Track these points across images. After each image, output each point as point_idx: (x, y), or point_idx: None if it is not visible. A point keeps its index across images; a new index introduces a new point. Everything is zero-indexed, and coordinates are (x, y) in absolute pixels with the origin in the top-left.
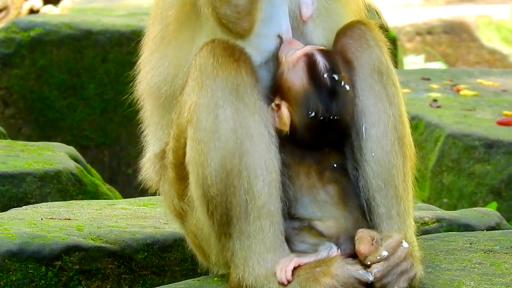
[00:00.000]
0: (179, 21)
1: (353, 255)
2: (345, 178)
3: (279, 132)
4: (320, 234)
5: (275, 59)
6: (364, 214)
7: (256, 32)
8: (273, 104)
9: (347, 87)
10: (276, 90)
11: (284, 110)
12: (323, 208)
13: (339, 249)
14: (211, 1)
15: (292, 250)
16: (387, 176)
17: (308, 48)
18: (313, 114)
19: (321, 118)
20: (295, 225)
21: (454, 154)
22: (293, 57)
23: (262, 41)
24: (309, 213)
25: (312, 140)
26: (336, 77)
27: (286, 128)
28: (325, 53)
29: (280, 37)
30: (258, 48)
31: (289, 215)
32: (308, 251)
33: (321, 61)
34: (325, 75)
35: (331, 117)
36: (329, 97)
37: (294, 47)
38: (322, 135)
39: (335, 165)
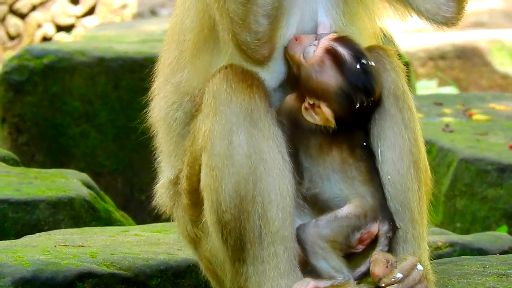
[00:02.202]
0: (197, 46)
1: (376, 237)
2: (372, 156)
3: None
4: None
5: (289, 82)
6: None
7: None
8: (305, 104)
9: (373, 63)
10: (304, 92)
11: (325, 109)
12: (352, 184)
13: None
14: (231, 27)
15: (311, 263)
16: (403, 199)
17: (325, 43)
18: (358, 105)
19: (365, 103)
20: (323, 229)
21: (467, 178)
22: (316, 57)
23: (276, 64)
24: (337, 192)
25: (352, 123)
26: (364, 61)
27: (332, 125)
28: (342, 41)
29: None
30: (272, 71)
31: (314, 197)
32: (326, 272)
33: (345, 52)
34: (357, 65)
35: (373, 98)
36: (367, 82)
37: (306, 44)
38: (362, 116)
39: (364, 144)
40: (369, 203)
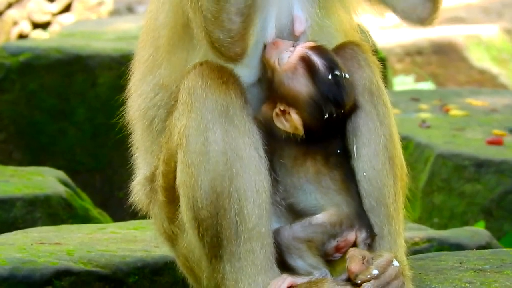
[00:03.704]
0: (171, 43)
1: (354, 245)
2: (347, 163)
3: (288, 134)
4: (318, 253)
5: (265, 78)
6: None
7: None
8: (277, 110)
9: (347, 75)
10: (276, 97)
11: (295, 116)
12: (327, 194)
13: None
14: (204, 24)
15: (288, 263)
16: (379, 195)
17: (300, 50)
18: (327, 115)
19: (335, 114)
20: (298, 233)
21: (444, 174)
22: (289, 63)
23: (253, 59)
24: (312, 201)
25: (323, 133)
26: (337, 72)
27: (301, 133)
28: (317, 50)
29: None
30: (249, 66)
31: (290, 206)
32: (303, 269)
33: (319, 62)
34: (329, 76)
35: (343, 110)
36: (338, 94)
37: (282, 49)
38: (333, 127)
39: (338, 151)
40: (345, 211)
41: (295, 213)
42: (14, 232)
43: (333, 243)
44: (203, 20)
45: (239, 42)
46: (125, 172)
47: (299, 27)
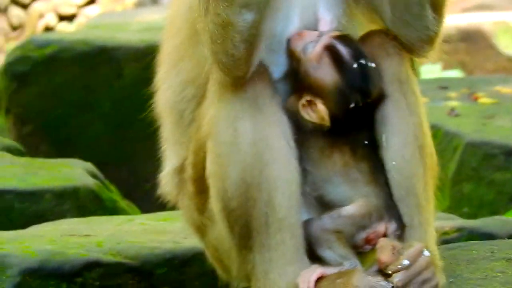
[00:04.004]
0: (192, 36)
1: (384, 236)
2: (375, 154)
3: (315, 125)
4: (348, 244)
5: (291, 75)
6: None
7: (271, 49)
8: (303, 101)
9: (373, 64)
10: (302, 88)
11: (321, 106)
12: (355, 186)
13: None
14: (210, 46)
15: (317, 254)
16: (409, 185)
17: (325, 40)
18: (353, 104)
19: (361, 105)
20: (327, 225)
21: (473, 162)
22: (315, 53)
23: (277, 57)
24: (340, 193)
25: (350, 123)
26: (363, 61)
27: (327, 123)
28: (343, 39)
29: None
30: (274, 63)
31: (318, 198)
32: (333, 260)
33: (344, 51)
34: (354, 65)
35: (370, 100)
36: (364, 84)
37: (307, 39)
38: (360, 117)
39: (366, 142)
40: (374, 203)
41: (324, 205)
42: (43, 224)
43: (363, 235)
44: (209, 40)
45: (241, 66)
46: (151, 164)
47: (324, 28)
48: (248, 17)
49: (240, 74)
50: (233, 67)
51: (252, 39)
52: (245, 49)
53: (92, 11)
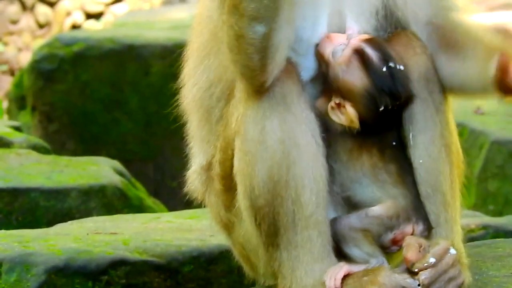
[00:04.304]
0: (216, 36)
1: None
2: (403, 155)
3: (344, 127)
4: (375, 242)
5: (319, 77)
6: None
7: (299, 52)
8: (332, 103)
9: (402, 67)
10: (331, 91)
11: (350, 109)
12: (383, 187)
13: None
14: (229, 55)
15: (344, 252)
16: (435, 182)
17: (354, 43)
18: (382, 107)
19: (390, 107)
20: (354, 223)
21: (499, 160)
22: (344, 57)
23: (305, 60)
24: (368, 194)
25: (378, 125)
26: (392, 64)
27: (356, 126)
28: (372, 42)
29: None
30: (302, 66)
31: (346, 198)
32: (360, 258)
33: (373, 54)
34: (383, 68)
35: (399, 102)
36: (393, 87)
37: (336, 42)
38: (388, 119)
39: (393, 143)
40: (401, 204)
41: (352, 205)
42: (69, 222)
43: (390, 235)
44: (228, 50)
45: (258, 76)
46: (177, 161)
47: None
48: (259, 29)
49: (258, 83)
50: (251, 77)
51: (266, 50)
52: (259, 60)
53: (119, 9)
